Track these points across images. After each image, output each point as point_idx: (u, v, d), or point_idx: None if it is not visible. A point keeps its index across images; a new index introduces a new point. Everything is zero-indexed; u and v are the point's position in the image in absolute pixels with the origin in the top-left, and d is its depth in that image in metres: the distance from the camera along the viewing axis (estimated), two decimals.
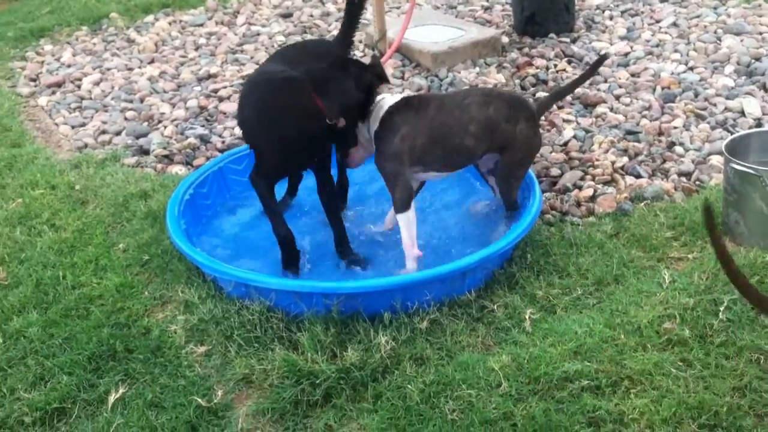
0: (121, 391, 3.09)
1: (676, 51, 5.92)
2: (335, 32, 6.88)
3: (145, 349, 3.29)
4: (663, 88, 5.33)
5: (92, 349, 3.30)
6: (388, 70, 5.92)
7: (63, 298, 3.66)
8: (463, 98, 3.73)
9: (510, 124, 3.66)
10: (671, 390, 2.86)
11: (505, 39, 6.43)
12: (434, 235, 3.95)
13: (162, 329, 3.42)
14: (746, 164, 3.62)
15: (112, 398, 3.06)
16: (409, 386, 2.97)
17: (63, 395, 3.10)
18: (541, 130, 4.01)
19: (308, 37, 6.91)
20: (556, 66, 5.84)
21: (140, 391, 3.09)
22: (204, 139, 5.18)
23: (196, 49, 6.89)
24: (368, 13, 7.08)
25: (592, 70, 4.07)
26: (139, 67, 6.57)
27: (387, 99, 3.71)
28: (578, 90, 5.35)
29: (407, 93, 3.83)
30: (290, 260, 3.69)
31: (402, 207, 3.58)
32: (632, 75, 5.62)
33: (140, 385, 3.13)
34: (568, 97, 5.31)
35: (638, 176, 4.37)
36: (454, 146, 3.65)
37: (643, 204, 4.09)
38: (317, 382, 3.02)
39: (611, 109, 5.14)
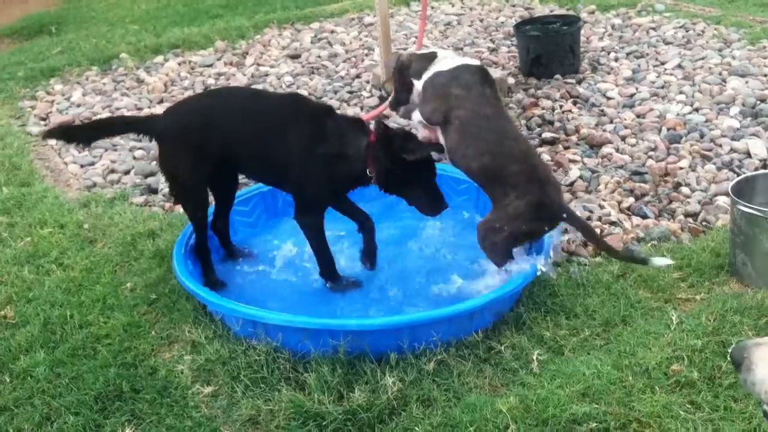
0: (127, 431, 3.08)
1: (681, 92, 5.96)
2: (342, 73, 6.99)
3: (151, 390, 3.28)
4: (668, 129, 5.35)
5: (99, 389, 3.29)
6: None
7: (70, 338, 3.67)
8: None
9: None
10: None
11: (511, 80, 6.48)
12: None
13: (169, 369, 3.41)
14: (753, 206, 3.63)
15: None
16: (416, 428, 2.96)
17: None
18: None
19: (316, 77, 6.97)
20: (562, 107, 5.88)
21: None
22: None
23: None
24: (375, 54, 7.18)
25: None
26: (149, 107, 6.63)
27: (444, 63, 3.87)
28: (584, 130, 5.39)
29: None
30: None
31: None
32: (638, 116, 5.65)
33: (147, 426, 3.12)
34: (574, 138, 5.34)
35: (645, 217, 4.38)
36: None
37: (649, 244, 4.09)
38: (324, 423, 3.01)
39: (617, 150, 5.16)
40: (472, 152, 3.65)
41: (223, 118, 3.80)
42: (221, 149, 3.79)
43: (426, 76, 3.86)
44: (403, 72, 4.00)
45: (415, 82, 3.93)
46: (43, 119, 6.61)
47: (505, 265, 3.63)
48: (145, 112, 6.50)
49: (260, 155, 3.81)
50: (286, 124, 3.73)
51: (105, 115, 6.47)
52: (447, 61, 3.87)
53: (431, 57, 3.93)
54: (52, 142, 6.07)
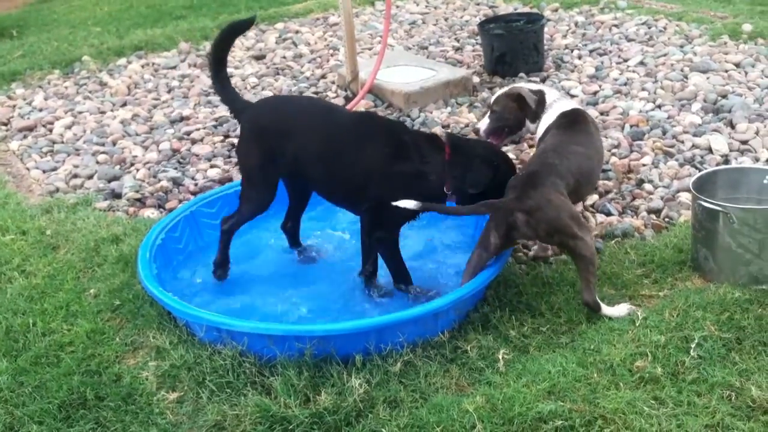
0: None
1: (643, 89, 6.01)
2: (308, 73, 6.96)
3: (116, 397, 3.25)
4: (631, 126, 5.39)
5: (62, 397, 3.26)
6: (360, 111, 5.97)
7: (33, 346, 3.62)
8: None
9: None
10: (644, 429, 2.87)
11: (476, 79, 6.50)
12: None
13: (133, 376, 3.38)
14: (714, 201, 3.67)
15: None
16: (383, 430, 2.96)
17: None
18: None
19: (281, 78, 6.95)
20: None
21: None
22: (176, 182, 5.17)
23: (169, 92, 6.91)
24: (340, 55, 7.16)
25: None
26: (112, 110, 6.57)
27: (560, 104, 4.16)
28: None
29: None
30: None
31: None
32: (601, 113, 5.69)
33: None
34: None
35: (608, 214, 4.41)
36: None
37: (613, 241, 4.12)
38: (290, 427, 3.00)
39: None
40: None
41: (298, 133, 3.81)
42: (292, 162, 3.82)
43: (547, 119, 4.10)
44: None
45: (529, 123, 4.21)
46: (5, 124, 6.53)
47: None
48: (108, 115, 6.44)
49: (334, 174, 3.81)
50: (364, 143, 3.74)
51: (68, 119, 6.40)
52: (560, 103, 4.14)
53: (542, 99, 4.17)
54: (14, 146, 6.01)
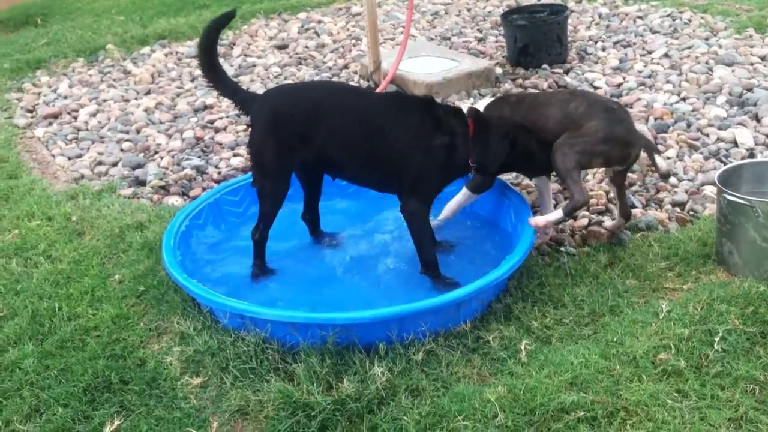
0: (116, 423, 3.09)
1: (668, 82, 5.97)
2: (330, 63, 6.97)
3: (140, 381, 3.29)
4: (656, 119, 5.37)
5: (87, 380, 3.29)
6: None
7: (59, 330, 3.66)
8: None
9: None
10: (667, 421, 2.86)
11: (498, 70, 6.48)
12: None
13: (157, 360, 3.41)
14: (739, 195, 3.64)
15: (107, 430, 3.06)
16: (405, 418, 2.97)
17: (58, 427, 3.09)
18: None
19: (303, 68, 6.96)
20: None
21: (135, 423, 3.09)
22: (200, 170, 5.20)
23: (192, 81, 6.94)
24: (363, 45, 7.16)
25: None
26: (136, 99, 6.61)
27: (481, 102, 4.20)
28: None
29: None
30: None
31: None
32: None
33: (135, 417, 3.12)
34: None
35: (632, 206, 4.39)
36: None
37: (638, 234, 4.11)
38: (313, 413, 3.01)
39: None
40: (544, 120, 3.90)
41: (328, 116, 3.77)
42: (319, 147, 3.77)
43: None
44: None
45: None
46: (30, 111, 6.59)
47: (574, 178, 3.71)
48: (132, 103, 6.48)
49: (372, 153, 3.78)
50: (406, 118, 3.76)
51: (93, 107, 6.44)
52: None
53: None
54: (39, 134, 6.06)
